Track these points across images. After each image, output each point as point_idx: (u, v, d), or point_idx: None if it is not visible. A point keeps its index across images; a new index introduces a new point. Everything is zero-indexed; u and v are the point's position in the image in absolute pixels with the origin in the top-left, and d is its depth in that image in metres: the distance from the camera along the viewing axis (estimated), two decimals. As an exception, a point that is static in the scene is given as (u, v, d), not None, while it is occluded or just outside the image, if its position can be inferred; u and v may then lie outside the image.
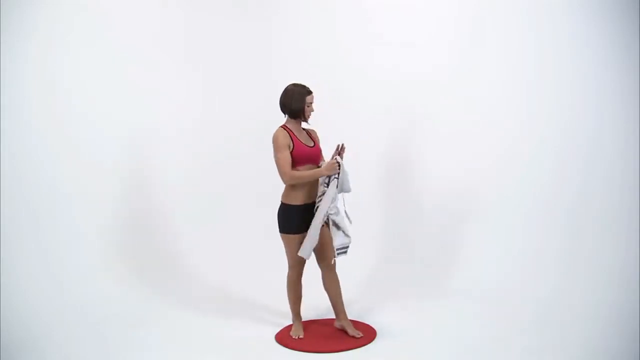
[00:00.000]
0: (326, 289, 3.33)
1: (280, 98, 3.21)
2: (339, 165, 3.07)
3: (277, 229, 3.26)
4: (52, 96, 3.95)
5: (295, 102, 3.15)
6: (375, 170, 4.51)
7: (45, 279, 3.68)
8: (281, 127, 3.20)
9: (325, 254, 3.27)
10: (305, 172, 3.10)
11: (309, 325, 3.50)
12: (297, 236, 3.19)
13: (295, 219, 3.19)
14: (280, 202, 3.25)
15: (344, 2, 4.68)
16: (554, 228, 3.89)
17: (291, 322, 3.45)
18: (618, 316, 3.25)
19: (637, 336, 2.99)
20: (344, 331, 3.31)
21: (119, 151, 4.26)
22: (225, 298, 4.00)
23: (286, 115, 3.23)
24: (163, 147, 4.53)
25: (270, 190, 4.63)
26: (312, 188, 3.19)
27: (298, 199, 3.17)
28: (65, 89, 4.01)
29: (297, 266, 3.27)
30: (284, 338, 3.30)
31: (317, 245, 3.20)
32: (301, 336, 3.29)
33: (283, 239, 3.24)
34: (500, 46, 4.13)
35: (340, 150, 3.13)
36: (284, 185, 3.22)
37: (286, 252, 3.27)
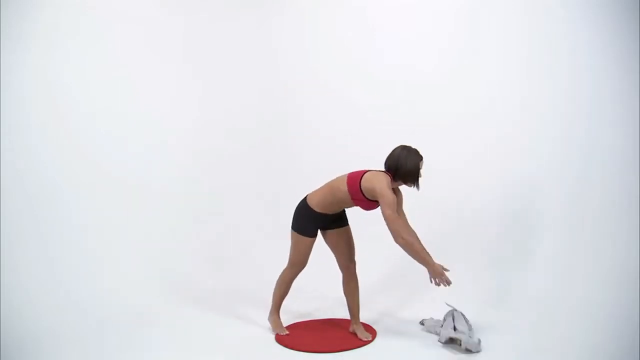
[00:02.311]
0: (345, 293, 3.35)
1: (392, 160, 3.06)
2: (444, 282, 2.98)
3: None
4: (53, 97, 3.94)
5: (413, 168, 3.03)
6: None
7: (46, 278, 3.68)
8: (390, 178, 3.05)
9: (349, 256, 3.29)
10: (421, 250, 2.98)
11: (309, 325, 3.51)
12: (308, 239, 3.21)
13: (312, 222, 3.20)
14: (304, 199, 3.24)
15: (344, 2, 4.69)
16: (553, 228, 3.88)
17: (291, 323, 3.46)
18: (618, 316, 3.25)
19: (637, 336, 2.98)
20: (354, 334, 3.32)
21: (119, 151, 4.26)
22: (225, 298, 4.00)
23: (389, 173, 3.08)
24: (163, 147, 4.52)
25: (270, 189, 4.66)
26: (339, 208, 3.19)
27: (323, 209, 3.18)
28: (66, 89, 4.01)
29: (296, 267, 3.29)
30: (283, 338, 3.30)
31: (338, 249, 3.28)
32: (286, 333, 3.31)
33: (293, 236, 3.25)
34: (500, 45, 4.13)
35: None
36: (302, 182, 3.26)
37: (291, 249, 3.28)
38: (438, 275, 2.97)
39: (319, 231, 3.28)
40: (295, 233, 3.23)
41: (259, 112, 4.76)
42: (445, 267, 3.01)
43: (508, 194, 4.10)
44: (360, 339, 3.24)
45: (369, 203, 3.07)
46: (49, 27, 3.91)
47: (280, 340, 3.28)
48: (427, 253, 3.00)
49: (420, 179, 3.10)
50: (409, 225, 3.16)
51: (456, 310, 3.32)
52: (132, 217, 4.28)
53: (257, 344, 3.25)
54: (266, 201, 4.65)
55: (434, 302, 3.74)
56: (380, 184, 2.97)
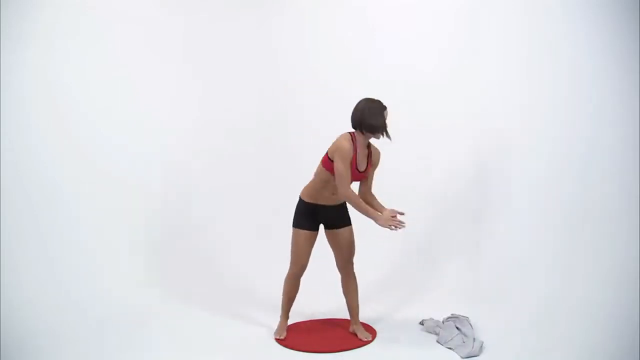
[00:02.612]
0: (344, 293, 3.36)
1: (355, 114, 3.08)
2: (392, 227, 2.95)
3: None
4: (53, 97, 3.94)
5: (377, 118, 3.04)
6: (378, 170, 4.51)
7: (45, 279, 3.68)
8: (350, 135, 3.09)
9: (346, 258, 3.29)
10: (360, 202, 3.01)
11: (309, 325, 3.52)
12: (304, 232, 3.21)
13: (306, 215, 3.21)
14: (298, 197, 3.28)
15: (344, 2, 4.68)
16: (553, 228, 3.88)
17: (291, 323, 3.46)
18: (618, 316, 3.24)
19: (637, 336, 2.98)
20: (354, 334, 3.32)
21: (119, 151, 4.26)
22: (225, 298, 4.00)
23: (356, 130, 3.09)
24: (163, 147, 4.52)
25: (270, 189, 4.66)
26: (330, 194, 3.18)
27: (313, 198, 3.19)
28: (66, 89, 4.01)
29: (295, 267, 3.28)
30: (281, 339, 3.30)
31: (337, 249, 3.29)
32: (282, 337, 3.30)
33: (292, 232, 3.26)
34: (500, 45, 4.13)
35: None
36: (302, 182, 3.26)
37: (291, 247, 3.28)
38: (386, 223, 2.94)
39: (318, 231, 3.28)
40: (293, 228, 3.25)
41: (259, 112, 4.75)
42: (397, 210, 2.99)
43: (508, 193, 4.10)
44: (360, 339, 3.24)
45: None
46: (49, 27, 3.91)
47: (280, 340, 3.28)
48: (369, 211, 3.00)
49: (388, 129, 3.09)
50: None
51: (461, 316, 3.32)
52: (132, 217, 4.29)
53: (257, 344, 3.26)
54: (266, 201, 4.65)
55: (434, 302, 3.75)
56: (337, 142, 3.05)
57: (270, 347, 3.22)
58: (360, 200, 3.06)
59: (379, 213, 3.00)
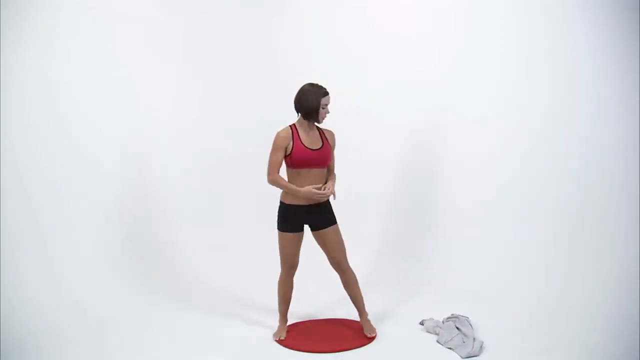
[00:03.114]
0: (345, 289, 3.35)
1: (295, 97, 3.18)
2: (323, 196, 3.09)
3: (276, 229, 3.28)
4: (53, 97, 3.94)
5: (310, 102, 3.12)
6: (375, 169, 4.51)
7: (45, 279, 3.68)
8: (288, 126, 3.17)
9: (336, 257, 3.27)
10: (286, 183, 3.14)
11: (309, 325, 3.51)
12: (288, 234, 3.21)
13: (288, 217, 3.20)
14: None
15: (344, 2, 4.68)
16: (553, 228, 3.88)
17: (291, 323, 3.46)
18: (618, 316, 3.25)
19: (637, 336, 2.98)
20: (354, 334, 3.32)
21: (119, 151, 4.26)
22: (225, 298, 4.00)
23: (299, 115, 3.19)
24: (163, 147, 4.52)
25: (270, 189, 4.66)
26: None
27: (291, 199, 3.19)
28: (66, 89, 4.01)
29: (285, 266, 3.29)
30: (281, 340, 3.30)
31: (325, 250, 3.27)
32: (282, 338, 3.30)
33: (278, 236, 3.26)
34: (500, 45, 4.13)
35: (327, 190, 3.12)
36: None
37: (279, 250, 3.28)
38: (312, 197, 3.09)
39: (304, 231, 3.27)
40: (278, 232, 3.26)
41: (259, 112, 4.76)
42: (316, 185, 3.12)
43: (507, 193, 4.10)
44: (365, 334, 3.25)
45: (293, 159, 3.12)
46: (49, 27, 3.91)
47: (280, 340, 3.28)
48: (293, 188, 3.11)
49: (325, 113, 3.17)
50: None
51: (461, 316, 3.33)
52: (131, 217, 4.28)
53: (257, 344, 3.26)
54: (266, 201, 4.64)
55: (434, 302, 3.75)
56: (273, 141, 3.14)
57: (270, 347, 3.22)
58: (285, 181, 3.15)
59: (301, 189, 3.09)
